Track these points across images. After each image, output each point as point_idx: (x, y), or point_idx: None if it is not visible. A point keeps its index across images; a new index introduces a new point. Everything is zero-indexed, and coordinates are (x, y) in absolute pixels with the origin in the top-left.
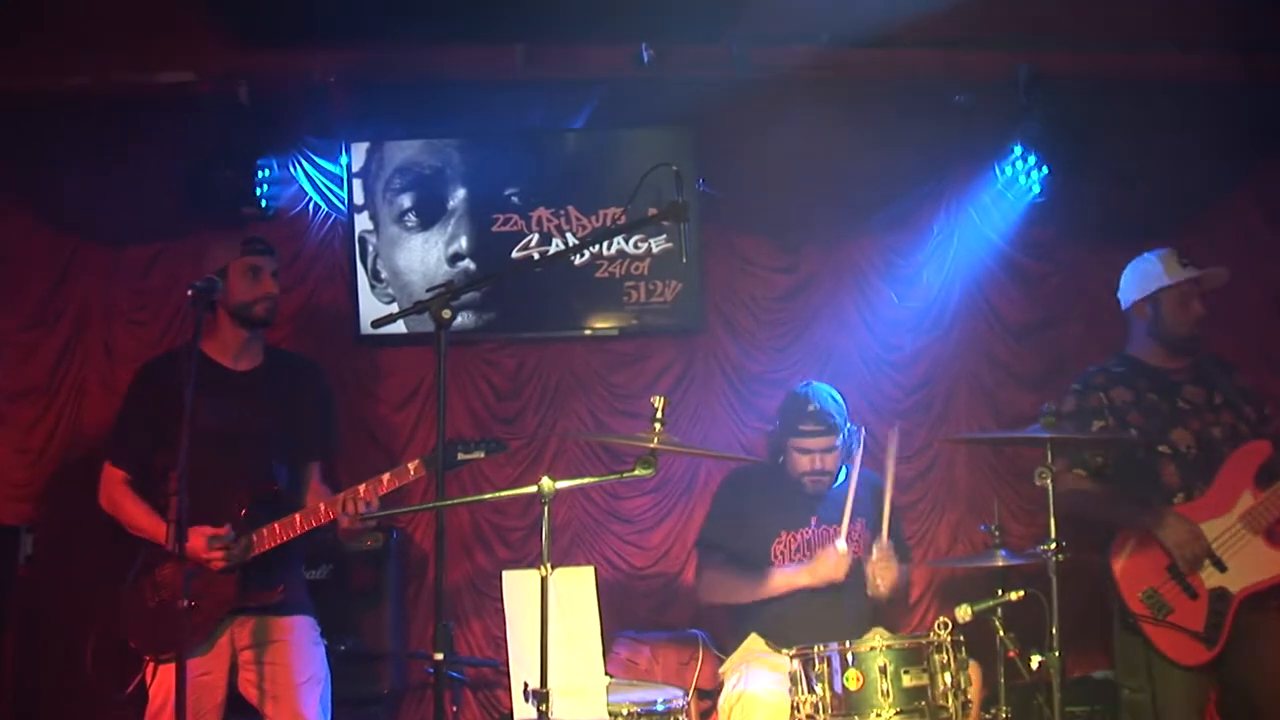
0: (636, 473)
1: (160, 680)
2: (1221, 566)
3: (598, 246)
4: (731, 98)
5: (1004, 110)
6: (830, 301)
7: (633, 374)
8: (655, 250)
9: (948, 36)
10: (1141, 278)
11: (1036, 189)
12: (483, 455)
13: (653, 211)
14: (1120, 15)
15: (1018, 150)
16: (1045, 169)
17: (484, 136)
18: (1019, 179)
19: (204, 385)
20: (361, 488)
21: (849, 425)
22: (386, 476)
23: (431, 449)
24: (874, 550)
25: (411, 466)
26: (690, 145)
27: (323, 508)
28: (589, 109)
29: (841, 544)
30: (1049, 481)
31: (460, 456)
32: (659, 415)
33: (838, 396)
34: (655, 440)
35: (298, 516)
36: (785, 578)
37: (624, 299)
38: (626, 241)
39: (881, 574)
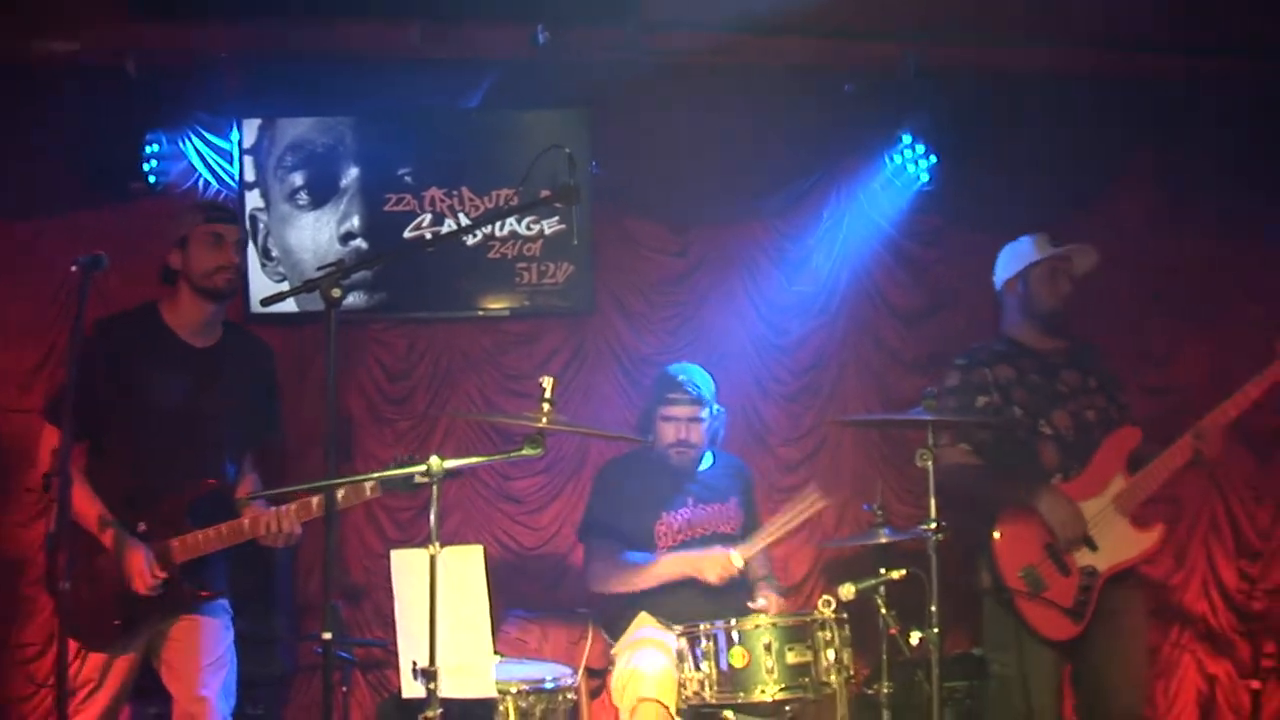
0: (524, 452)
1: (91, 664)
2: (1093, 546)
3: (490, 227)
4: (627, 81)
5: (893, 100)
6: (720, 285)
7: (524, 355)
8: (547, 232)
9: (839, 26)
10: (1013, 257)
11: (925, 177)
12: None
13: (546, 193)
14: (1007, 9)
15: (906, 139)
16: (933, 158)
17: (378, 115)
18: (907, 167)
19: (160, 360)
20: (293, 508)
21: (717, 408)
22: (315, 501)
23: (385, 465)
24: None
25: (368, 487)
26: (585, 128)
27: (246, 525)
28: (484, 89)
29: (738, 559)
30: (929, 463)
31: (419, 482)
32: (547, 395)
33: (705, 375)
34: (543, 420)
35: (224, 529)
36: (670, 566)
37: (515, 280)
38: (519, 223)
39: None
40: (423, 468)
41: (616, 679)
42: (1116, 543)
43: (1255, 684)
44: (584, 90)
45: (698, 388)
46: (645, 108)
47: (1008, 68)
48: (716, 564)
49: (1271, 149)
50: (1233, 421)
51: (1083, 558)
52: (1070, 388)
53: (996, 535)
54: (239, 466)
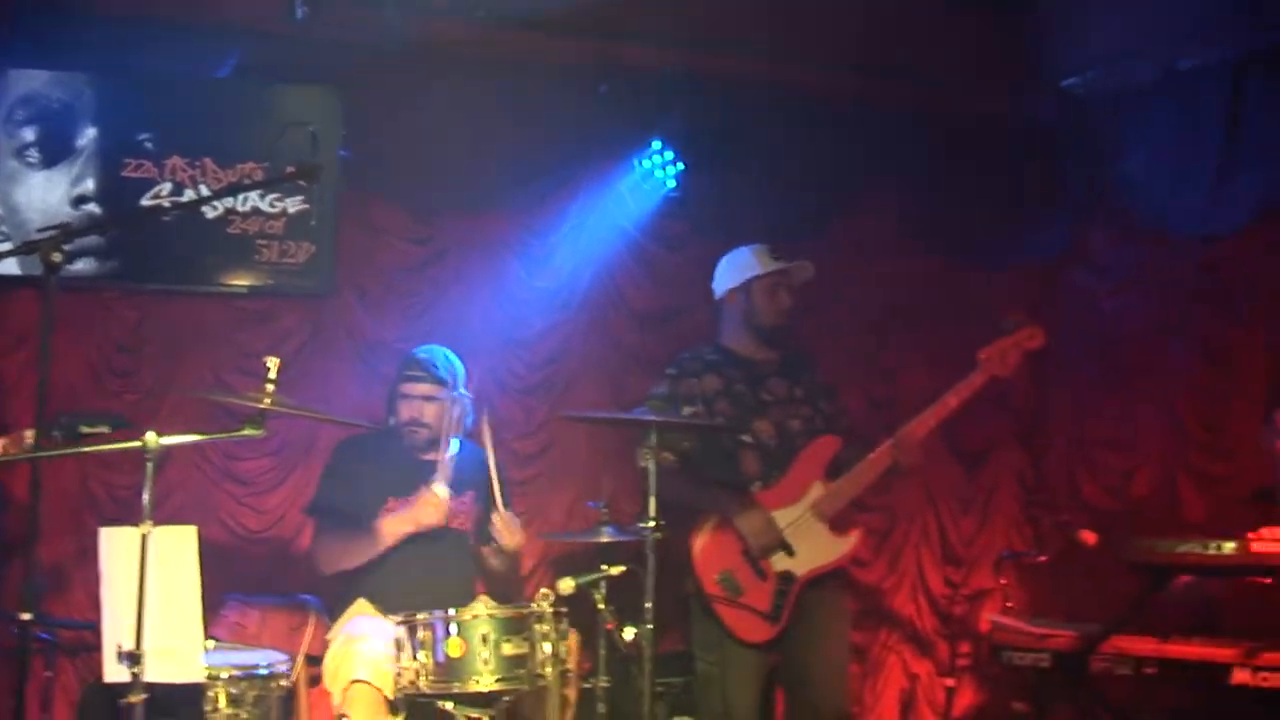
0: (245, 433)
1: None
2: (790, 551)
3: (232, 202)
4: (383, 64)
5: (647, 104)
6: (463, 275)
7: (259, 333)
8: (291, 210)
9: (598, 28)
10: (735, 268)
11: (672, 183)
12: (107, 431)
13: (291, 170)
14: (763, 26)
15: (657, 144)
16: (681, 165)
17: (120, 76)
18: (656, 172)
19: None
20: None
21: (461, 392)
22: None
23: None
24: (495, 519)
25: (29, 435)
26: (337, 108)
27: None
28: (234, 59)
29: (441, 488)
30: (650, 462)
31: (84, 430)
32: (271, 376)
33: (453, 359)
34: (266, 401)
35: None
36: (390, 526)
37: (255, 257)
38: (262, 199)
39: (508, 534)
40: (139, 443)
41: (329, 660)
42: (814, 548)
43: (950, 681)
44: (339, 69)
45: (436, 368)
46: (401, 92)
47: (761, 82)
48: (429, 509)
49: (997, 178)
50: (932, 431)
51: (780, 563)
52: (775, 397)
53: (695, 541)
54: None
